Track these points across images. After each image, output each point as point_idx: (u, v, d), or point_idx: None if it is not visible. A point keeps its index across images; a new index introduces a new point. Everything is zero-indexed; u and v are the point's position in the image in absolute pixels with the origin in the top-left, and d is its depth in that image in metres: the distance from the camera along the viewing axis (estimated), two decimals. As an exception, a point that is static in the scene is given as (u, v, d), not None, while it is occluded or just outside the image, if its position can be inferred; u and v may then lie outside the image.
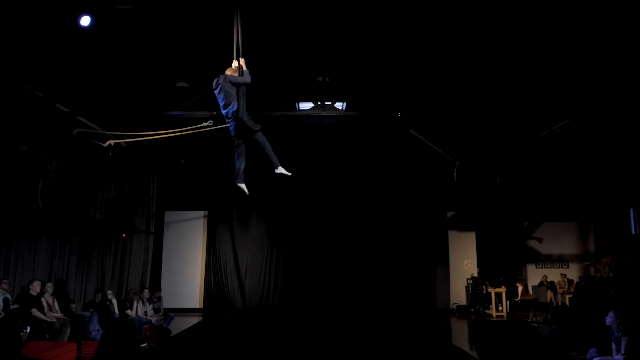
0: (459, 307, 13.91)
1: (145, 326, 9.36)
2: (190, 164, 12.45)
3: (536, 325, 10.28)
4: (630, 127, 9.18)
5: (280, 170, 5.71)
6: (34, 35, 6.31)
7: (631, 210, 13.40)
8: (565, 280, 13.84)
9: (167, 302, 11.49)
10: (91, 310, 9.03)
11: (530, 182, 13.22)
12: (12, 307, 7.91)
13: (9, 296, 8.01)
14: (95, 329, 8.30)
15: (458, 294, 14.18)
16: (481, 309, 13.61)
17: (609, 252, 13.92)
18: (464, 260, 14.42)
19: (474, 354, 8.54)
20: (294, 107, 9.33)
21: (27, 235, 9.30)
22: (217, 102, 5.38)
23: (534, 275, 14.70)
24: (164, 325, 9.98)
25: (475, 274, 14.23)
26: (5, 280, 8.08)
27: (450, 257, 14.31)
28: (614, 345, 5.77)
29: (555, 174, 12.82)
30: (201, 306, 13.73)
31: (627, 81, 7.49)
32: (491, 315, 12.89)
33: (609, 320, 5.79)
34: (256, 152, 5.84)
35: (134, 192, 12.87)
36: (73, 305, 9.54)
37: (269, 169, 6.03)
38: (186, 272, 13.97)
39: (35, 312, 7.99)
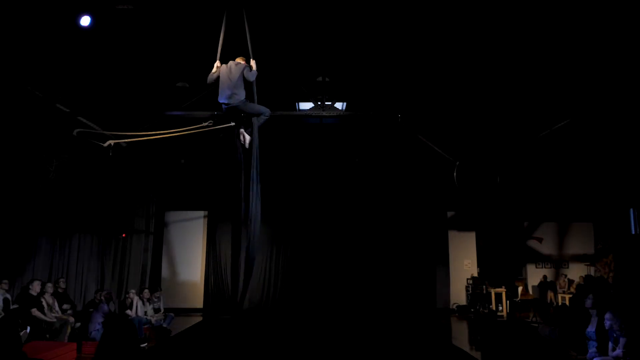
0: (459, 307, 13.91)
1: (145, 326, 9.35)
2: (190, 164, 12.45)
3: (536, 325, 10.27)
4: (630, 127, 9.18)
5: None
6: (34, 35, 6.31)
7: (631, 210, 13.39)
8: (566, 280, 13.83)
9: (167, 302, 11.49)
10: (91, 310, 9.03)
11: (530, 182, 13.21)
12: (12, 307, 7.90)
13: (9, 296, 8.01)
14: (95, 329, 8.30)
15: (458, 294, 14.17)
16: (481, 309, 13.61)
17: (608, 252, 13.91)
18: (464, 260, 14.41)
19: (474, 354, 8.55)
20: (294, 107, 9.33)
21: (28, 235, 9.29)
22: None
23: (534, 275, 14.69)
24: (164, 325, 9.97)
25: (475, 274, 14.23)
26: (5, 281, 8.08)
27: (450, 257, 14.30)
28: (610, 345, 5.77)
29: (555, 174, 12.81)
30: (201, 306, 13.73)
31: (627, 81, 7.49)
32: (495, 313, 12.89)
33: (607, 322, 5.79)
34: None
35: (134, 192, 12.87)
36: (67, 306, 9.51)
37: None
38: (186, 272, 13.97)
39: (35, 312, 7.99)
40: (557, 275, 14.31)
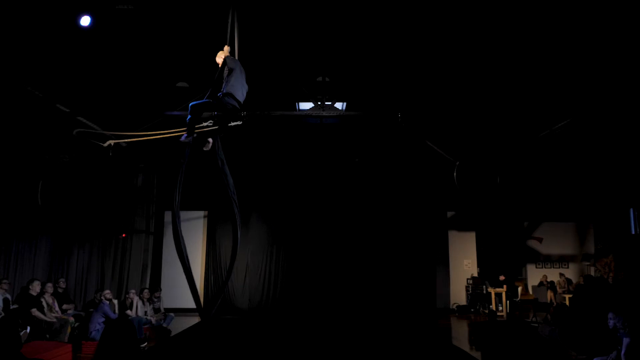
0: (459, 307, 13.91)
1: (145, 326, 9.35)
2: (190, 164, 12.42)
3: (536, 325, 10.28)
4: (630, 127, 9.18)
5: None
6: (34, 36, 6.31)
7: (631, 210, 13.38)
8: (565, 280, 13.83)
9: (167, 302, 11.48)
10: (91, 310, 9.03)
11: (530, 182, 13.21)
12: (12, 307, 7.90)
13: (9, 296, 8.01)
14: (95, 329, 8.29)
15: (458, 294, 14.17)
16: (481, 309, 13.61)
17: (608, 252, 13.91)
18: (464, 260, 14.42)
19: (474, 354, 8.55)
20: (294, 107, 9.32)
21: (27, 235, 9.30)
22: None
23: (534, 275, 14.69)
24: (164, 325, 9.97)
25: (475, 274, 14.23)
26: (5, 280, 8.08)
27: (450, 257, 14.30)
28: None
29: (555, 174, 12.81)
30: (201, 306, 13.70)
31: (627, 81, 7.48)
32: (495, 313, 12.89)
33: (610, 322, 5.77)
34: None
35: (134, 192, 12.86)
36: (73, 306, 9.52)
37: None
38: (186, 272, 13.94)
39: (35, 312, 7.99)
40: (557, 275, 14.29)
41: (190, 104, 4.93)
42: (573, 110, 8.53)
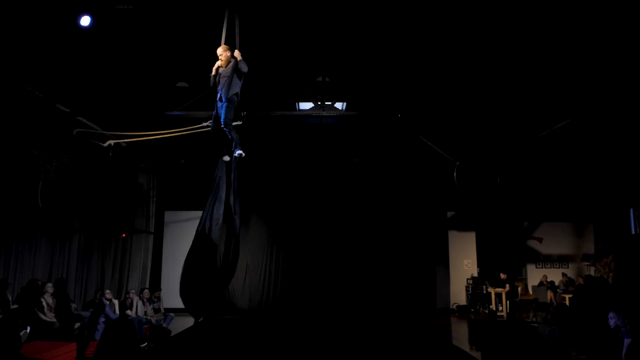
0: (459, 307, 13.91)
1: (145, 326, 9.36)
2: (190, 164, 12.45)
3: (536, 325, 10.28)
4: (630, 127, 9.19)
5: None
6: (34, 36, 6.31)
7: (631, 210, 13.39)
8: (567, 280, 13.81)
9: (167, 302, 11.47)
10: (91, 310, 9.04)
11: (530, 182, 13.22)
12: (12, 307, 7.91)
13: (9, 296, 8.01)
14: (97, 329, 8.27)
15: (458, 294, 14.17)
16: (481, 309, 13.61)
17: (608, 252, 13.90)
18: (464, 260, 14.41)
19: (474, 354, 8.55)
20: (294, 107, 9.33)
21: (27, 235, 9.30)
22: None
23: (534, 275, 14.69)
24: (164, 325, 9.97)
25: (475, 274, 14.23)
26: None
27: (450, 257, 14.30)
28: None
29: (555, 174, 12.82)
30: (201, 306, 13.70)
31: (627, 81, 7.49)
32: (495, 313, 12.89)
33: (611, 321, 5.77)
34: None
35: (134, 192, 12.87)
36: (73, 306, 9.53)
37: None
38: (186, 272, 13.92)
39: (35, 312, 7.99)
40: (557, 275, 14.29)
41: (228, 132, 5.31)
42: (573, 110, 8.53)
